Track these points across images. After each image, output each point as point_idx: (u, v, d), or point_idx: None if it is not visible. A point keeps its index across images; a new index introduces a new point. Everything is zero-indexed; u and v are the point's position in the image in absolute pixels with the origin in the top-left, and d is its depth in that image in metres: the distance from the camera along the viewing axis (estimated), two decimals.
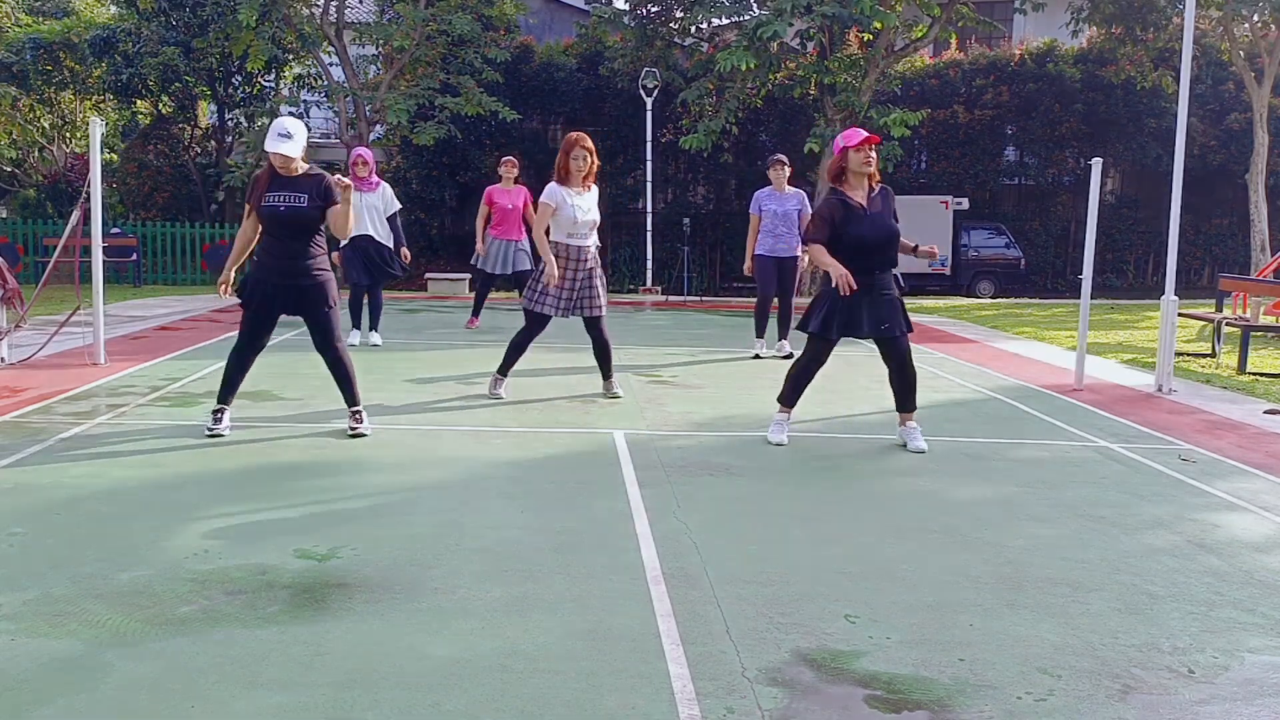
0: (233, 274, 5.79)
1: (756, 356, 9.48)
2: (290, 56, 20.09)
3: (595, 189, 7.07)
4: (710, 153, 18.29)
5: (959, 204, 20.11)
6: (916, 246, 5.91)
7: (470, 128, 19.82)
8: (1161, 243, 20.69)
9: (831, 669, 3.06)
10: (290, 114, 20.02)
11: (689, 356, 9.51)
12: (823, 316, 5.79)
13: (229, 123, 21.35)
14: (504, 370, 7.17)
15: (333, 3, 18.25)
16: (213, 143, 21.48)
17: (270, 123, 18.76)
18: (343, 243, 9.03)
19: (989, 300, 18.73)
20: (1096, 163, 8.14)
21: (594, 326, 7.10)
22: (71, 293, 10.21)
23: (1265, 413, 7.46)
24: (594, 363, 7.35)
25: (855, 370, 8.62)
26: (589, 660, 3.07)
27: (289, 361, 8.40)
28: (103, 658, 3.00)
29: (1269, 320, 11.22)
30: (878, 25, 16.26)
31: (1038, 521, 4.61)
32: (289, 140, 5.55)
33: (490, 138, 20.50)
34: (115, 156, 22.41)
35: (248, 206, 5.73)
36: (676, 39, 19.51)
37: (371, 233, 9.33)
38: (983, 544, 4.27)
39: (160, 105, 21.03)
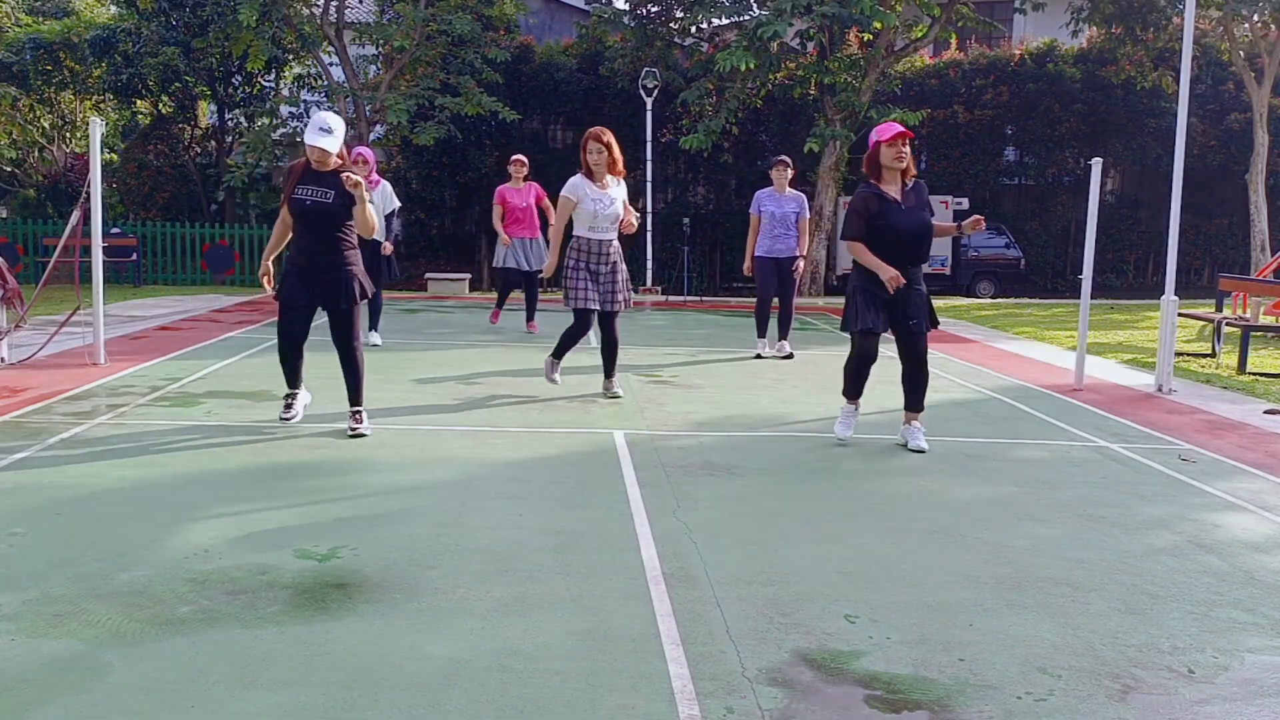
0: (271, 264, 5.95)
1: (758, 356, 9.49)
2: (290, 56, 20.09)
3: (621, 183, 7.07)
4: (710, 153, 18.29)
5: (959, 204, 20.10)
6: (959, 225, 5.88)
7: (470, 128, 19.82)
8: (1161, 243, 20.68)
9: (831, 669, 3.06)
10: (292, 114, 20.07)
11: (689, 356, 9.51)
12: (859, 313, 5.80)
13: (229, 123, 21.34)
14: (558, 354, 7.26)
15: (333, 3, 18.25)
16: (213, 143, 21.47)
17: (270, 123, 18.75)
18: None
19: (989, 300, 18.73)
20: (1096, 163, 8.14)
21: (607, 321, 7.12)
22: (71, 293, 10.21)
23: (1265, 413, 7.46)
24: (594, 363, 7.36)
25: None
26: (589, 660, 3.07)
27: None
28: (103, 658, 3.00)
29: (1269, 320, 11.22)
30: (878, 25, 16.26)
31: (1038, 521, 4.61)
32: (329, 135, 5.60)
33: (490, 138, 20.50)
34: (115, 156, 22.40)
35: (283, 197, 5.83)
36: (676, 39, 19.50)
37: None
38: (983, 544, 4.27)
39: (160, 105, 21.02)
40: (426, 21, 17.26)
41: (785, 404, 7.23)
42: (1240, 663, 3.19)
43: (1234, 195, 20.73)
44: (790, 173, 9.38)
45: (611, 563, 3.91)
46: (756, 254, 9.39)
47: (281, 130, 19.25)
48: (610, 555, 3.99)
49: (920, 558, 4.07)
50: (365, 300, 5.92)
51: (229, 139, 21.32)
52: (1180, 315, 9.39)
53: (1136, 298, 19.12)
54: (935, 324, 5.97)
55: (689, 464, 5.45)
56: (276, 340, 5.99)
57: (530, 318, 10.98)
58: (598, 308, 6.95)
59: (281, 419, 6.05)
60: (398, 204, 9.91)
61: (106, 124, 21.33)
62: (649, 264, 17.54)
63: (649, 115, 17.46)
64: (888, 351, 5.99)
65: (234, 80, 20.81)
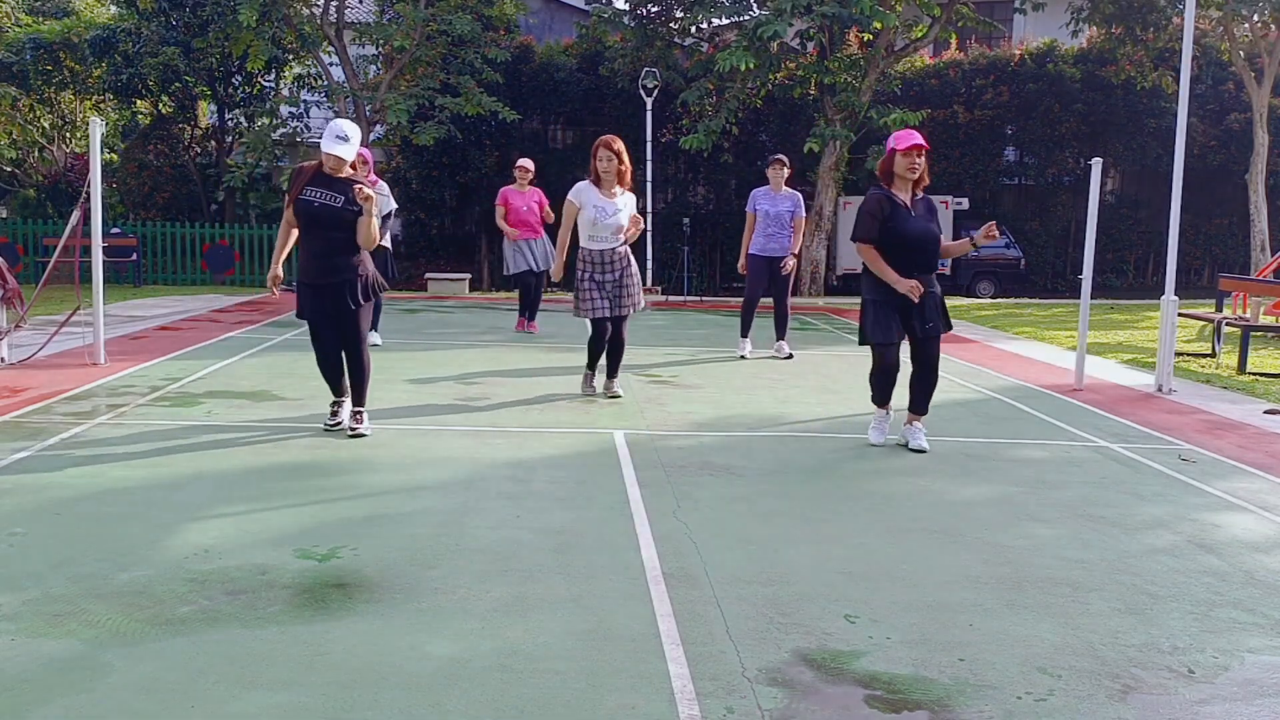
0: (280, 268, 5.92)
1: (741, 358, 9.43)
2: (290, 56, 20.08)
3: (629, 195, 7.02)
4: (710, 153, 18.29)
5: (959, 204, 20.11)
6: (972, 238, 5.79)
7: (470, 128, 19.82)
8: (1161, 243, 20.68)
9: (831, 669, 3.06)
10: (292, 114, 20.07)
11: (689, 356, 9.51)
12: (875, 325, 5.78)
13: (229, 123, 21.34)
14: (591, 366, 7.29)
15: (333, 3, 18.25)
16: (213, 143, 21.47)
17: (270, 123, 18.74)
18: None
19: (989, 300, 18.74)
20: (1096, 163, 8.14)
21: (617, 324, 7.11)
22: (71, 293, 10.21)
23: (1265, 413, 7.46)
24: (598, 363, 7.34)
25: (856, 370, 8.61)
26: (589, 660, 3.07)
27: (289, 361, 8.40)
28: (103, 658, 3.00)
29: (1269, 320, 11.22)
30: (878, 25, 16.26)
31: (1038, 521, 4.61)
32: (345, 143, 5.61)
33: (490, 138, 20.50)
34: (115, 156, 22.40)
35: (287, 199, 5.80)
36: (676, 39, 19.50)
37: None
38: (983, 544, 4.27)
39: (160, 105, 21.02)
40: (426, 21, 17.26)
41: (785, 404, 7.23)
42: (1240, 663, 3.19)
43: (1234, 195, 20.73)
44: (787, 171, 9.35)
45: (611, 563, 3.91)
46: (750, 252, 9.38)
47: (281, 130, 19.24)
48: (610, 555, 3.99)
49: (920, 558, 4.07)
50: (367, 302, 5.88)
51: (229, 139, 21.32)
52: (1180, 315, 9.38)
53: (1136, 298, 19.12)
54: (949, 326, 5.93)
55: (689, 464, 5.45)
56: (316, 358, 6.00)
57: (530, 318, 10.98)
58: (608, 315, 6.97)
59: (327, 426, 6.02)
60: (394, 205, 9.90)
61: (106, 124, 21.32)
62: (649, 264, 17.54)
63: (649, 115, 17.46)
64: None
65: (234, 80, 20.81)
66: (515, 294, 11.28)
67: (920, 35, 17.72)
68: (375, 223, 5.71)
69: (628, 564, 3.90)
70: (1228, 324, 10.19)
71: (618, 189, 6.93)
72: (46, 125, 22.89)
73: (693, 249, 19.80)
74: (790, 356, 9.46)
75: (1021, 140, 21.66)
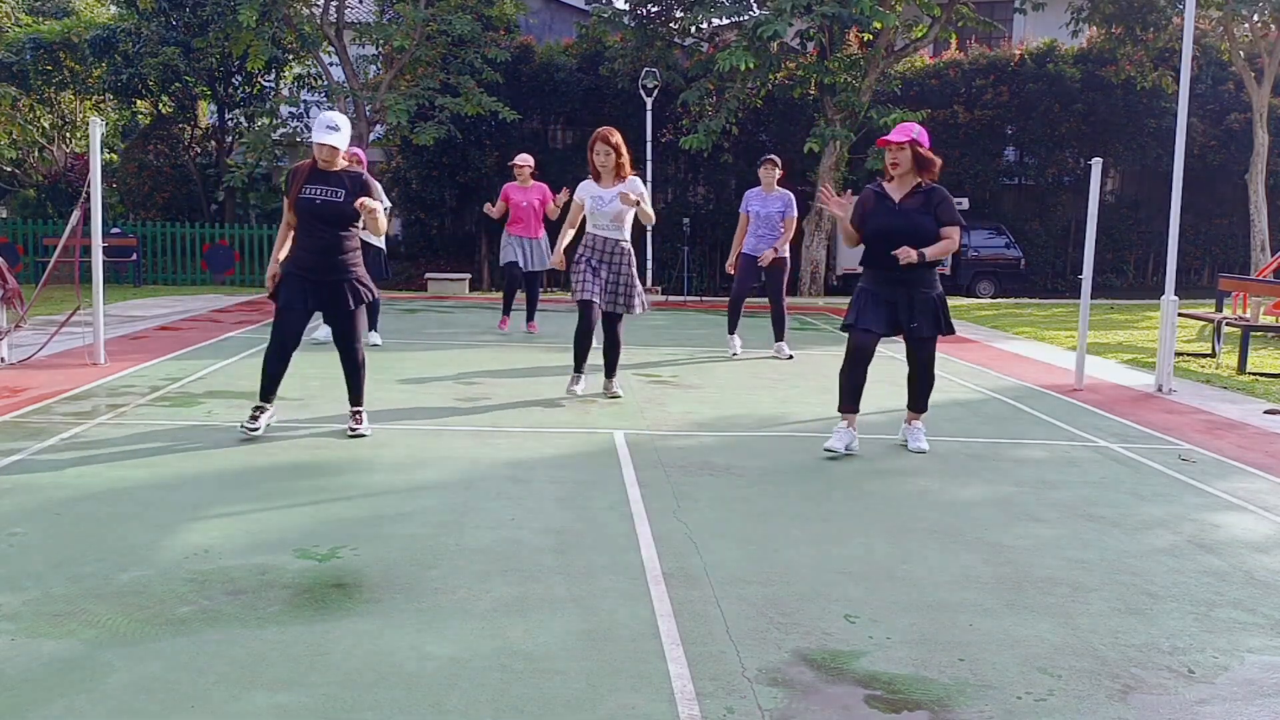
0: (279, 268, 5.80)
1: (733, 356, 9.41)
2: (290, 56, 20.09)
3: (630, 181, 6.89)
4: (710, 153, 18.29)
5: (959, 204, 20.10)
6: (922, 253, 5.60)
7: (470, 128, 19.82)
8: (1161, 243, 20.68)
9: (831, 669, 3.06)
10: (292, 114, 20.07)
11: (689, 356, 9.51)
12: (856, 310, 5.75)
13: (229, 123, 21.35)
14: (578, 368, 7.20)
15: (333, 3, 18.25)
16: (213, 143, 21.48)
17: (270, 123, 18.75)
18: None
19: (989, 300, 18.74)
20: (1096, 163, 8.14)
21: (610, 323, 7.11)
22: (71, 293, 10.22)
23: (1265, 413, 7.46)
24: (594, 362, 7.34)
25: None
26: (589, 660, 3.07)
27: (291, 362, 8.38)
28: (103, 658, 3.00)
29: (1269, 320, 11.22)
30: (878, 25, 16.26)
31: (1038, 521, 4.61)
32: (336, 132, 5.61)
33: (490, 138, 20.50)
34: (115, 156, 22.41)
35: (286, 201, 5.76)
36: (676, 39, 19.51)
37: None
38: (983, 544, 4.27)
39: (160, 105, 21.03)
40: (426, 21, 17.26)
41: (785, 404, 7.23)
42: (1240, 663, 3.19)
43: (1234, 195, 20.73)
44: (778, 172, 9.34)
45: (611, 563, 3.91)
46: (742, 251, 9.39)
47: (281, 130, 19.26)
48: (610, 555, 3.99)
49: (920, 558, 4.07)
50: (365, 303, 5.87)
51: (229, 139, 21.33)
52: (1180, 315, 9.38)
53: (1136, 298, 19.12)
54: (948, 330, 5.77)
55: (689, 464, 5.45)
56: (268, 344, 5.81)
57: (530, 318, 10.96)
58: (597, 301, 6.92)
59: (244, 428, 5.70)
60: (388, 203, 9.89)
61: (106, 124, 21.32)
62: (649, 264, 17.55)
63: (649, 115, 17.46)
64: (887, 351, 5.97)
65: (234, 80, 20.82)
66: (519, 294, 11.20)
67: (920, 35, 17.73)
68: (382, 217, 5.74)
69: (628, 564, 3.90)
70: (1228, 324, 10.19)
71: (617, 180, 6.89)
72: (46, 125, 22.89)
73: (693, 249, 19.80)
74: (791, 357, 9.46)
75: (1021, 140, 21.66)
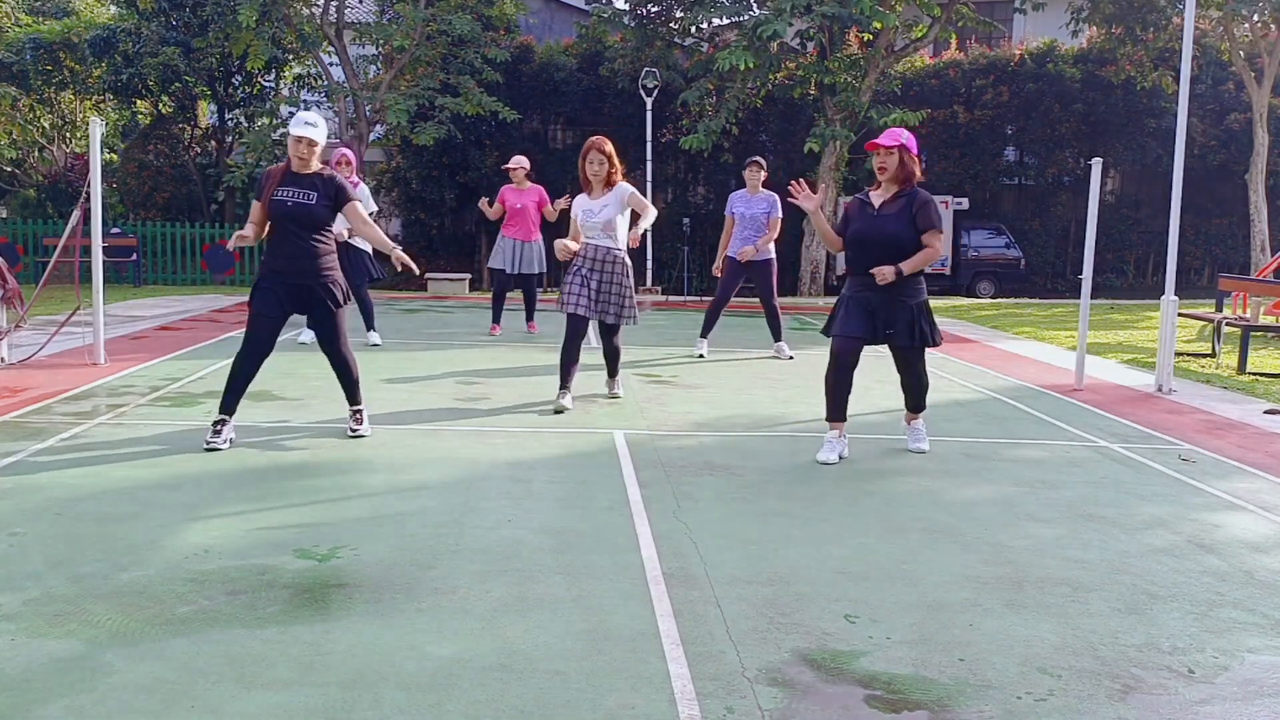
0: (250, 235, 5.53)
1: (700, 356, 9.39)
2: (290, 56, 20.10)
3: (620, 189, 6.78)
4: (710, 153, 18.30)
5: (959, 204, 20.12)
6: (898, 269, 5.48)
7: (470, 128, 19.83)
8: (1161, 243, 20.67)
9: (831, 669, 3.06)
10: (292, 114, 20.05)
11: (689, 356, 9.51)
12: (836, 317, 5.72)
13: (229, 123, 21.36)
14: (563, 384, 6.84)
15: (333, 3, 18.25)
16: (213, 143, 21.49)
17: (270, 123, 18.75)
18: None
19: (989, 300, 18.74)
20: (1096, 163, 8.14)
21: (608, 332, 7.01)
22: (71, 293, 10.22)
23: (1265, 413, 7.46)
24: (595, 363, 7.34)
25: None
26: (589, 660, 3.07)
27: (289, 361, 8.40)
28: (103, 658, 3.00)
29: (1269, 320, 11.22)
30: (878, 25, 16.27)
31: (1038, 521, 4.61)
32: (315, 128, 5.54)
33: (490, 138, 20.50)
34: (115, 156, 22.42)
35: (256, 204, 5.62)
36: (676, 39, 19.51)
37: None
38: (983, 544, 4.27)
39: (160, 105, 21.03)
40: (426, 21, 17.27)
41: (785, 404, 7.23)
42: (1240, 663, 3.19)
43: (1234, 195, 20.73)
44: (763, 174, 9.32)
45: (611, 563, 3.91)
46: (727, 254, 9.37)
47: (281, 130, 19.24)
48: (610, 555, 3.99)
49: (920, 558, 4.07)
50: (345, 304, 5.75)
51: (229, 139, 21.33)
52: (1180, 315, 9.38)
53: (1136, 298, 19.13)
54: (928, 340, 5.62)
55: (689, 464, 5.45)
56: (240, 349, 5.59)
57: (529, 318, 10.95)
58: (582, 312, 6.69)
59: (207, 445, 5.45)
60: (375, 207, 9.85)
61: (106, 124, 21.32)
62: (649, 264, 17.55)
63: (649, 115, 17.46)
64: (880, 350, 5.96)
65: (234, 80, 20.82)
66: (517, 293, 11.16)
67: (920, 35, 17.73)
68: (376, 230, 5.73)
69: (628, 564, 3.90)
70: (1228, 324, 10.19)
71: (605, 189, 6.77)
72: (46, 125, 22.90)
73: (693, 249, 19.81)
74: (791, 357, 9.46)
75: (1021, 140, 21.67)
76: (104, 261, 8.68)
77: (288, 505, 4.52)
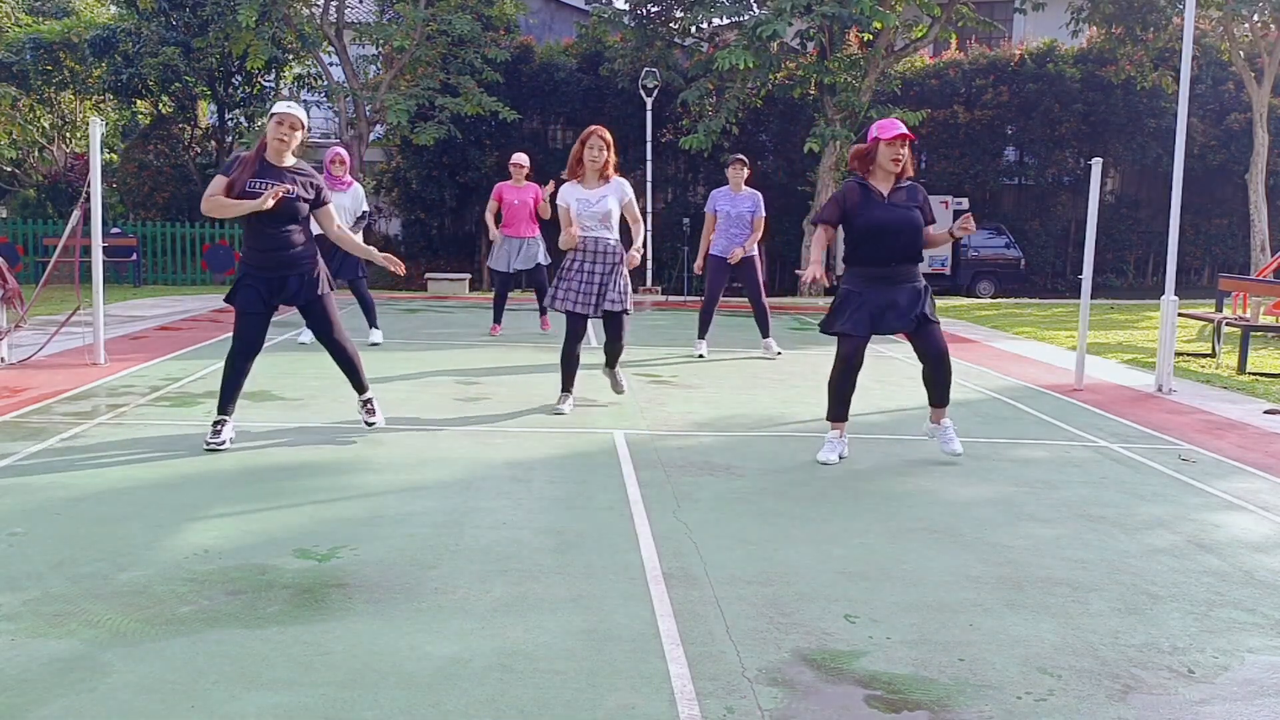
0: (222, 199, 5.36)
1: (700, 357, 9.38)
2: (290, 56, 20.11)
3: (617, 182, 6.65)
4: (710, 153, 18.30)
5: (959, 204, 20.13)
6: (949, 230, 5.51)
7: (470, 128, 19.83)
8: (1161, 243, 20.68)
9: (831, 669, 3.06)
10: None
11: (688, 356, 9.51)
12: (841, 314, 5.54)
13: (229, 123, 21.36)
14: (565, 386, 6.76)
15: (333, 3, 18.26)
16: (213, 143, 21.49)
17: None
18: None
19: (989, 300, 18.74)
20: (1096, 163, 8.14)
21: (613, 325, 6.74)
22: (71, 293, 10.22)
23: (1265, 413, 7.46)
24: (594, 362, 7.31)
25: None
26: (589, 660, 3.07)
27: (289, 361, 8.40)
28: (103, 658, 3.00)
29: (1269, 320, 11.22)
30: (878, 25, 16.27)
31: (1038, 521, 4.61)
32: (298, 109, 5.45)
33: (490, 138, 20.51)
34: (115, 156, 22.42)
35: (223, 180, 5.37)
36: (676, 39, 19.52)
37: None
38: (983, 544, 4.27)
39: (160, 105, 21.03)
40: (426, 21, 17.27)
41: (785, 404, 7.23)
42: (1240, 663, 3.19)
43: (1234, 195, 20.74)
44: (746, 171, 9.31)
45: (611, 563, 3.90)
46: (711, 253, 9.34)
47: None
48: (610, 555, 3.99)
49: (920, 558, 4.07)
50: (329, 290, 5.68)
51: (229, 139, 21.33)
52: (1180, 315, 9.38)
53: (1136, 298, 19.12)
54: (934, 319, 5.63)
55: (689, 464, 5.45)
56: (230, 350, 5.53)
57: (543, 313, 10.85)
58: (581, 310, 6.57)
59: (207, 445, 5.43)
60: (367, 208, 9.84)
61: (106, 124, 21.32)
62: (649, 264, 17.56)
63: (649, 115, 17.46)
64: (885, 351, 5.95)
65: (234, 80, 20.83)
66: (518, 294, 11.12)
67: (920, 35, 17.74)
68: (348, 236, 5.65)
69: (627, 564, 3.90)
70: (1228, 324, 10.19)
71: (601, 180, 6.59)
72: (46, 125, 22.91)
73: (692, 249, 19.79)
74: (779, 354, 9.45)
75: (1021, 140, 21.68)
76: (104, 261, 8.67)
77: (288, 505, 4.52)
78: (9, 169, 23.47)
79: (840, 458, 5.63)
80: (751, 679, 2.98)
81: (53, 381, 7.28)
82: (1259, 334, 10.22)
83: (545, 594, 3.57)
